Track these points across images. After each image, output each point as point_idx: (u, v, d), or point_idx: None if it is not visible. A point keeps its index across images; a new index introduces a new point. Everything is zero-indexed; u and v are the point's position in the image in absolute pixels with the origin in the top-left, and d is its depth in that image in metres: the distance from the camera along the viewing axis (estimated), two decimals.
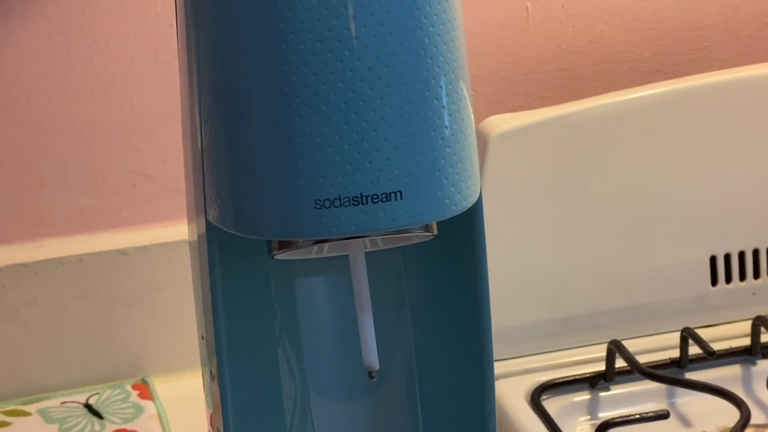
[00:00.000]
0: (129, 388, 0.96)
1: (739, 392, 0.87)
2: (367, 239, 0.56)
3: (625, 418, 0.85)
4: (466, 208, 0.55)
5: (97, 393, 0.96)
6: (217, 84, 0.53)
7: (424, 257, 0.62)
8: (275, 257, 0.56)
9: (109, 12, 0.91)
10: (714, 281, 0.98)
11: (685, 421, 0.89)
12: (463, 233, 0.59)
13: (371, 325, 0.57)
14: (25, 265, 0.93)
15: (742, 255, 0.98)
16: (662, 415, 0.85)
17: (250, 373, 0.62)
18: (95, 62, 0.92)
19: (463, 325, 0.62)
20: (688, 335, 0.93)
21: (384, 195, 0.51)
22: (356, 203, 0.51)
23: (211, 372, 0.62)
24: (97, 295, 0.95)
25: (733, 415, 0.83)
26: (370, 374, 0.57)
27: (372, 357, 0.57)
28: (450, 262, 0.61)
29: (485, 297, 0.60)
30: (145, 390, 0.96)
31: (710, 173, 0.96)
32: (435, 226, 0.56)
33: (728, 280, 0.98)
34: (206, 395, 0.68)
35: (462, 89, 0.54)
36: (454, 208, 0.54)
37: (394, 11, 0.51)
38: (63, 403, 0.94)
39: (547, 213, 0.93)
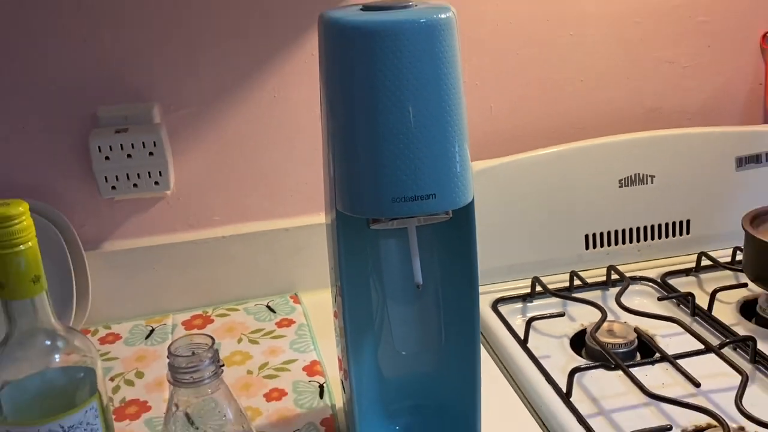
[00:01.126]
0: (288, 297, 0.97)
1: (601, 303, 0.86)
2: (415, 219, 0.56)
3: (541, 316, 0.85)
4: (467, 203, 0.55)
5: (272, 300, 0.96)
6: (342, 140, 0.53)
7: (444, 229, 0.61)
8: (371, 227, 0.57)
9: (286, 98, 0.92)
10: (587, 247, 0.98)
11: (572, 319, 0.88)
12: (464, 217, 0.58)
13: (418, 263, 0.58)
14: (238, 235, 0.94)
15: (602, 234, 0.98)
16: (560, 314, 0.86)
17: (356, 289, 0.62)
18: (283, 126, 0.93)
19: (463, 265, 0.61)
20: (574, 274, 0.93)
21: (426, 196, 0.53)
22: (412, 200, 0.52)
23: (336, 288, 0.62)
24: (273, 251, 0.96)
25: (597, 315, 0.83)
26: (417, 286, 0.58)
27: (419, 277, 0.58)
28: (457, 232, 0.60)
29: (475, 251, 0.60)
30: (296, 299, 0.97)
31: (590, 192, 0.96)
32: (451, 213, 0.56)
33: (594, 246, 0.98)
34: (333, 302, 0.67)
35: (465, 144, 0.54)
36: (461, 203, 0.55)
37: (432, 105, 0.51)
38: (255, 305, 0.96)
39: (500, 211, 0.93)
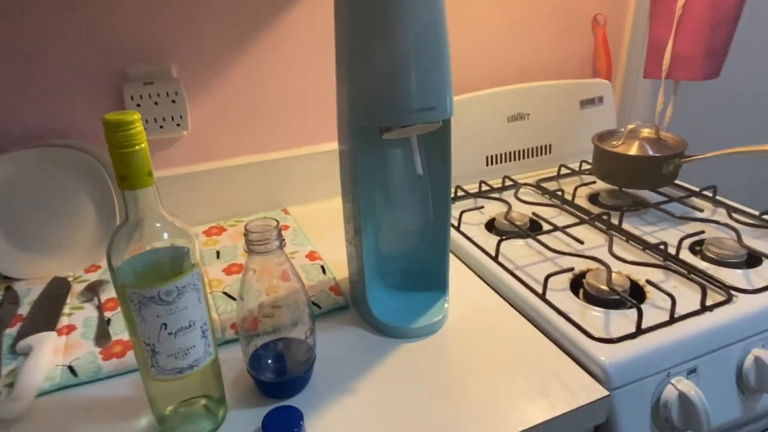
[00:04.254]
0: (280, 211, 0.93)
1: (506, 199, 0.89)
2: (416, 127, 0.54)
3: (468, 209, 0.86)
4: (452, 116, 0.54)
5: (268, 213, 0.92)
6: (363, 68, 0.50)
7: (433, 136, 0.59)
8: (383, 137, 0.54)
9: (276, 58, 0.86)
10: (487, 164, 0.99)
11: (483, 212, 0.90)
12: (444, 129, 0.57)
13: (419, 159, 0.57)
14: (239, 165, 0.88)
15: (497, 155, 1.00)
16: (481, 207, 0.87)
17: (367, 191, 0.60)
18: (273, 80, 0.87)
19: (441, 165, 0.60)
20: (482, 182, 0.95)
21: (429, 107, 0.51)
22: (420, 110, 0.51)
23: (351, 194, 0.58)
24: (266, 176, 0.91)
25: (503, 207, 0.85)
26: (419, 176, 0.57)
27: (419, 169, 0.57)
28: (438, 141, 0.59)
29: (450, 153, 0.59)
30: (286, 211, 0.93)
31: (488, 126, 0.97)
32: (441, 122, 0.55)
33: (492, 164, 1.00)
34: (344, 205, 0.63)
35: (451, 71, 0.53)
36: (450, 114, 0.54)
37: (433, 40, 0.50)
38: (255, 217, 0.91)
39: None
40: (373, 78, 0.51)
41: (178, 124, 0.81)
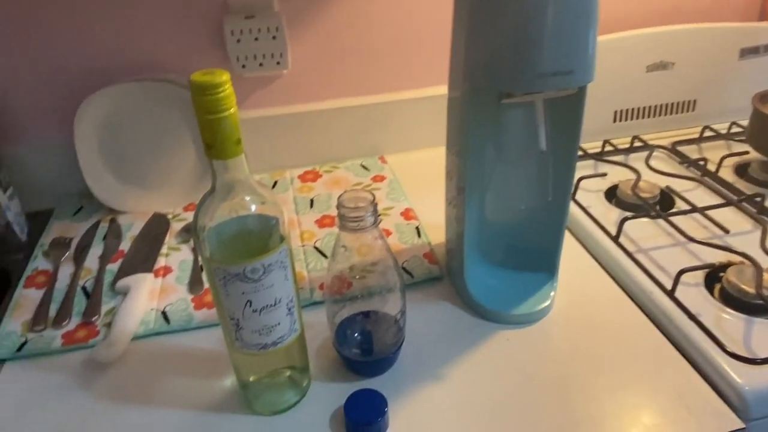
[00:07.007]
0: (377, 159, 0.88)
1: (632, 165, 0.78)
2: (543, 93, 0.45)
3: (588, 176, 0.77)
4: (594, 79, 0.45)
5: (364, 160, 0.87)
6: (488, 21, 0.41)
7: (562, 100, 0.49)
8: (502, 102, 0.46)
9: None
10: (614, 120, 0.87)
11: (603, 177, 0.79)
12: (577, 94, 0.47)
13: (543, 132, 0.48)
14: (338, 108, 0.83)
15: (629, 110, 0.87)
16: (603, 174, 0.77)
17: (477, 151, 0.52)
18: (377, 18, 0.79)
19: (570, 134, 0.51)
20: (606, 142, 0.84)
21: (566, 71, 0.42)
22: (554, 75, 0.42)
23: (457, 149, 0.52)
24: (365, 121, 0.85)
25: (627, 174, 0.74)
26: (542, 152, 0.48)
27: (543, 144, 0.48)
28: (573, 102, 0.49)
29: (581, 124, 0.50)
30: (383, 159, 0.87)
31: (621, 76, 0.84)
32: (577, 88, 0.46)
33: (620, 120, 0.87)
34: (447, 162, 0.56)
35: (597, 26, 0.42)
36: (591, 79, 0.44)
37: None
38: (352, 163, 0.86)
39: None
40: (500, 34, 0.42)
41: (278, 62, 0.76)
